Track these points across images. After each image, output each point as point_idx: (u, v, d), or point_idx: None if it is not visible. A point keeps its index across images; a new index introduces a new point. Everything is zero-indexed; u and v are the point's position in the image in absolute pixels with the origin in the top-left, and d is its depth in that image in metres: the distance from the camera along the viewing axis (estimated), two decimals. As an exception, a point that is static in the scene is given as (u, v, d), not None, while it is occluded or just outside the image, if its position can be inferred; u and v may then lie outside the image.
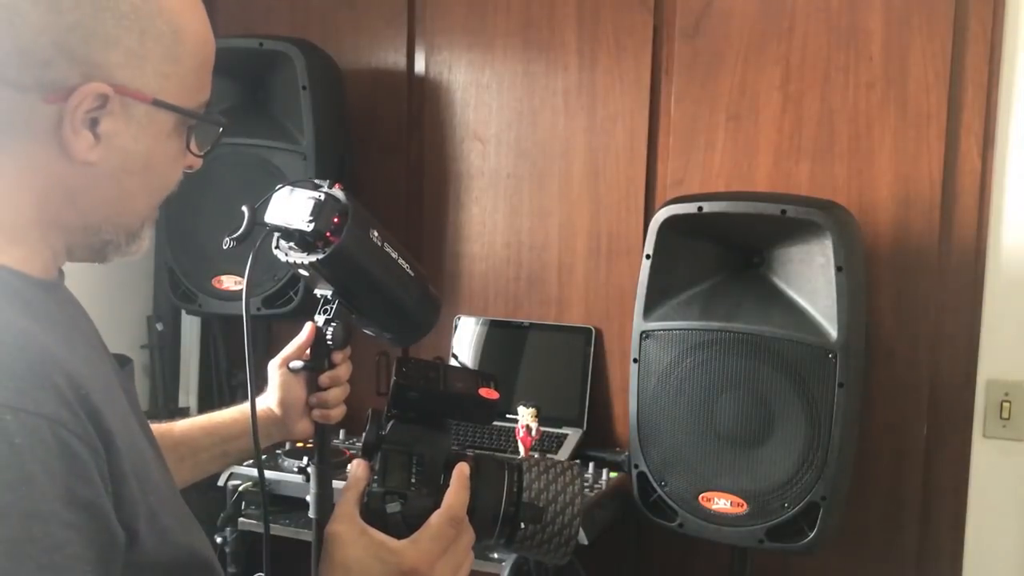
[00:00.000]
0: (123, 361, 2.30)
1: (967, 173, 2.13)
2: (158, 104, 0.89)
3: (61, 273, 0.95)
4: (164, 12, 0.88)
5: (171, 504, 0.95)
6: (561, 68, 2.44)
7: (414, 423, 1.03)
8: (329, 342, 1.24)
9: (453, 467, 1.00)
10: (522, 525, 1.01)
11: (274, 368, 1.36)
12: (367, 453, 1.02)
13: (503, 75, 2.50)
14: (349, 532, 0.97)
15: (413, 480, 1.00)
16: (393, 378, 1.03)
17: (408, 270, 1.20)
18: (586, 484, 2.11)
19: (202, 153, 0.97)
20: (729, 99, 2.29)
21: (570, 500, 1.01)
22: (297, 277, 2.15)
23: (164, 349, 2.77)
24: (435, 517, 0.98)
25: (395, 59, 2.61)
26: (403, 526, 0.97)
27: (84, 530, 0.75)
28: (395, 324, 1.28)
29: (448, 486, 1.00)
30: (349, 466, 1.03)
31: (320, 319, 1.24)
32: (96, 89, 0.84)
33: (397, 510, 0.97)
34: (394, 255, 1.17)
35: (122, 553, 0.81)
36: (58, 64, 0.84)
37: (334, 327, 1.22)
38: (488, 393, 1.05)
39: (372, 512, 0.98)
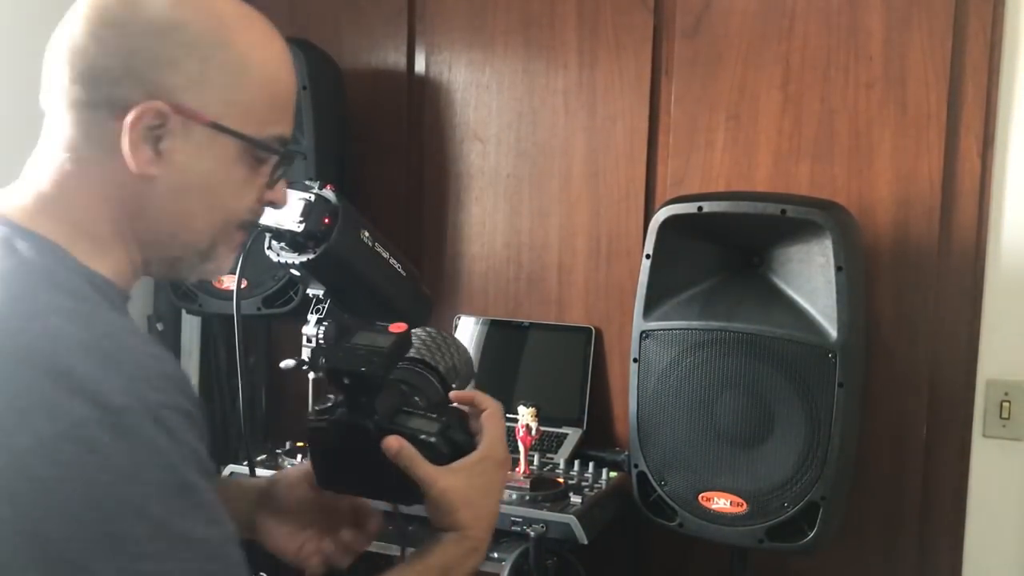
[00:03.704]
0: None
1: (967, 173, 2.12)
2: (216, 127, 0.96)
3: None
4: (233, 46, 0.98)
5: None
6: (561, 68, 2.44)
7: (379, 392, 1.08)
8: (321, 341, 1.25)
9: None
10: (453, 386, 1.15)
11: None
12: (379, 436, 1.06)
13: (503, 75, 2.50)
14: (450, 477, 1.07)
15: (426, 413, 1.09)
16: (356, 369, 1.05)
17: (399, 269, 1.21)
18: (585, 483, 2.11)
19: (272, 185, 1.05)
20: (729, 99, 2.29)
21: (454, 346, 1.15)
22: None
23: (164, 349, 2.77)
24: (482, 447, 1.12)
25: (395, 59, 2.61)
26: (464, 445, 1.09)
27: (214, 492, 0.90)
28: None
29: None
30: (386, 447, 1.07)
31: (312, 318, 1.25)
32: (155, 107, 0.93)
33: (459, 437, 1.09)
34: (385, 255, 1.18)
35: None
36: (124, 83, 0.93)
37: (326, 326, 1.23)
38: (396, 327, 1.09)
39: (440, 454, 1.06)
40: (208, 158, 0.97)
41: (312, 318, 1.25)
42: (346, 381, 1.05)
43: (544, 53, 2.46)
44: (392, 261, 1.20)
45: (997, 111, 2.10)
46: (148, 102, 0.93)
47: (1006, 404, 2.13)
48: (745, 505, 1.94)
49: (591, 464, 2.18)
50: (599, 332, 2.43)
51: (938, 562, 2.20)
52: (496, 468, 1.12)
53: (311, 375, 1.41)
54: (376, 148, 2.63)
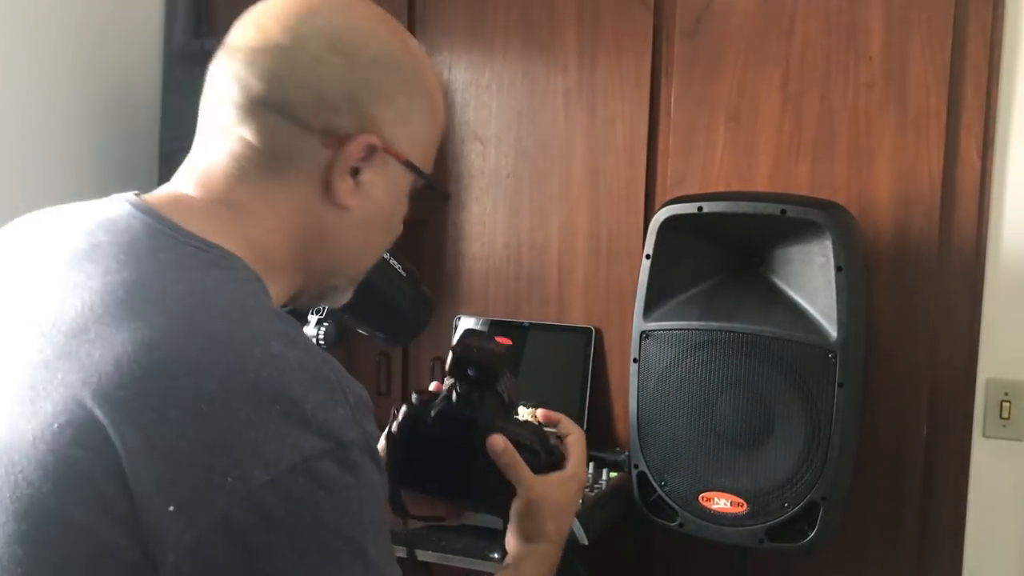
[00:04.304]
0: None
1: (967, 173, 2.12)
2: (408, 165, 0.97)
3: None
4: (427, 84, 0.98)
5: None
6: (561, 68, 2.44)
7: (479, 390, 1.10)
8: (321, 342, 1.25)
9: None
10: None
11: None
12: (482, 434, 1.08)
13: (503, 75, 2.50)
14: (546, 487, 1.10)
15: (525, 421, 1.12)
16: (486, 361, 1.08)
17: (400, 269, 1.22)
18: (586, 484, 2.11)
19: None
20: (729, 99, 2.29)
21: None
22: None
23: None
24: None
25: (395, 59, 2.61)
26: (557, 460, 1.14)
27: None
28: (388, 323, 1.28)
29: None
30: (492, 443, 1.08)
31: (313, 319, 1.25)
32: (369, 140, 0.92)
33: (555, 451, 1.13)
34: (385, 255, 1.18)
35: None
36: (345, 113, 0.92)
37: (326, 327, 1.23)
38: (503, 340, 1.13)
39: (540, 462, 1.09)
40: (393, 192, 0.97)
41: (312, 318, 1.25)
42: (471, 372, 1.07)
43: (544, 54, 2.46)
44: (392, 261, 1.20)
45: (997, 111, 2.10)
46: (364, 135, 0.92)
47: (1006, 404, 2.13)
48: (745, 505, 1.94)
49: (591, 464, 2.18)
50: (599, 332, 2.43)
51: (938, 562, 2.20)
52: (579, 489, 1.17)
53: None
54: (376, 148, 2.63)
